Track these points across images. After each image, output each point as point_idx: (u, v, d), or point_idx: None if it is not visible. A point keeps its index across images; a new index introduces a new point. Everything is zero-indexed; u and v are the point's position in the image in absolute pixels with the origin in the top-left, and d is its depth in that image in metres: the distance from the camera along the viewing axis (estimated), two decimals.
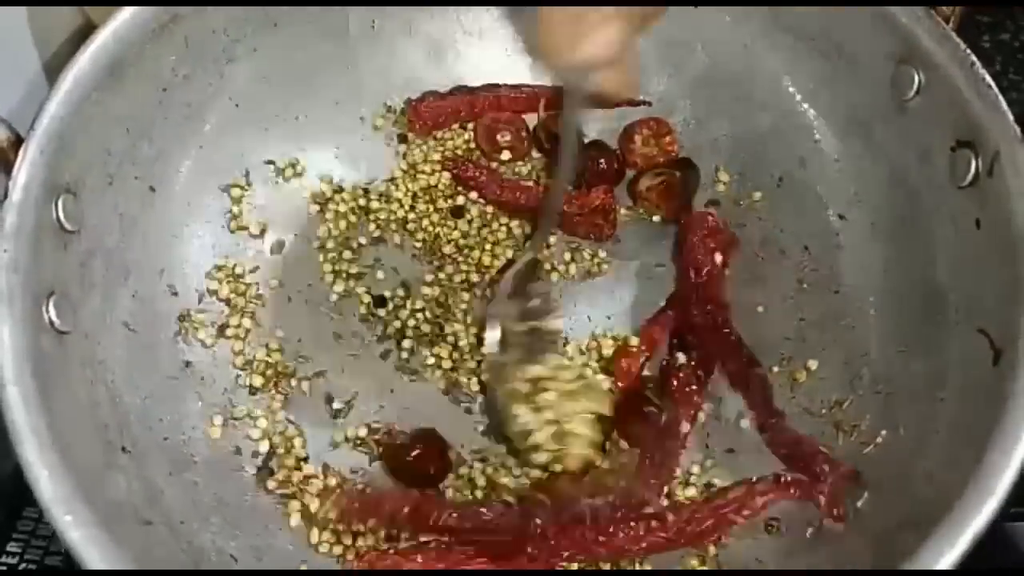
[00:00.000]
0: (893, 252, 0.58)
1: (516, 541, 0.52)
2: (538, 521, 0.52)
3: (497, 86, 0.68)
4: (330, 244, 0.63)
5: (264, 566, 0.52)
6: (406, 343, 0.61)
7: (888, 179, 0.59)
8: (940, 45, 0.54)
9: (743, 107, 0.65)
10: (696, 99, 0.67)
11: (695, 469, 0.57)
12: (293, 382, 0.59)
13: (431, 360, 0.60)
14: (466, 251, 0.64)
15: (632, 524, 0.52)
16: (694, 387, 0.58)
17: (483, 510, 0.53)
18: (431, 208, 0.65)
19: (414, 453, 0.56)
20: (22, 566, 0.56)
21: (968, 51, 0.53)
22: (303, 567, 0.53)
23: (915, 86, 0.55)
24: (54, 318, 0.47)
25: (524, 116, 0.68)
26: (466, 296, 0.62)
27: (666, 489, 0.55)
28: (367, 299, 0.62)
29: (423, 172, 0.66)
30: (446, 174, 0.66)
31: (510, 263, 0.63)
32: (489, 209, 0.65)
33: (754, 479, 0.54)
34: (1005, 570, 0.54)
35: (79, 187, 0.51)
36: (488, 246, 0.64)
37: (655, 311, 0.62)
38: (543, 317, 0.60)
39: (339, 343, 0.61)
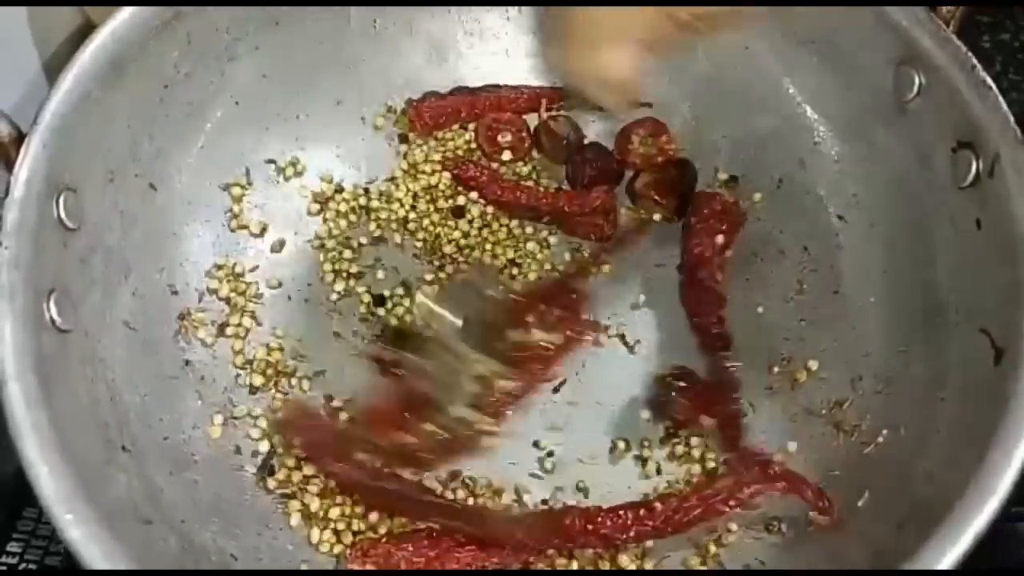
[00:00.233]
0: (893, 253, 0.58)
1: (506, 529, 0.52)
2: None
3: (498, 86, 0.68)
4: (330, 243, 0.63)
5: (264, 566, 0.52)
6: None
7: (888, 180, 0.59)
8: (940, 46, 0.54)
9: (743, 109, 0.65)
10: (696, 101, 0.67)
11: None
12: (293, 381, 0.59)
13: None
14: (466, 251, 0.64)
15: (620, 513, 0.53)
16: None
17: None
18: (432, 208, 0.65)
19: None
20: (22, 566, 0.56)
21: (968, 52, 0.53)
22: (303, 567, 0.53)
23: (915, 87, 0.55)
24: (55, 315, 0.47)
25: (524, 116, 0.68)
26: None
27: None
28: (367, 298, 0.62)
29: (424, 172, 0.66)
30: (447, 174, 0.66)
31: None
32: (490, 209, 0.65)
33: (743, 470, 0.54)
34: (1005, 570, 0.54)
35: (80, 184, 0.51)
36: (488, 246, 0.64)
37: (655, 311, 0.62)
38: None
39: (339, 342, 0.60)
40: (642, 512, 0.53)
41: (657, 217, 0.64)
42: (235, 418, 0.57)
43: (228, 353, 0.58)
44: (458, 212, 0.65)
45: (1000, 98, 0.51)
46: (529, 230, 0.65)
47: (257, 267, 0.61)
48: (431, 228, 0.64)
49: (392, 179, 0.66)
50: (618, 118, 0.67)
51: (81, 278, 0.51)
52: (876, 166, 0.60)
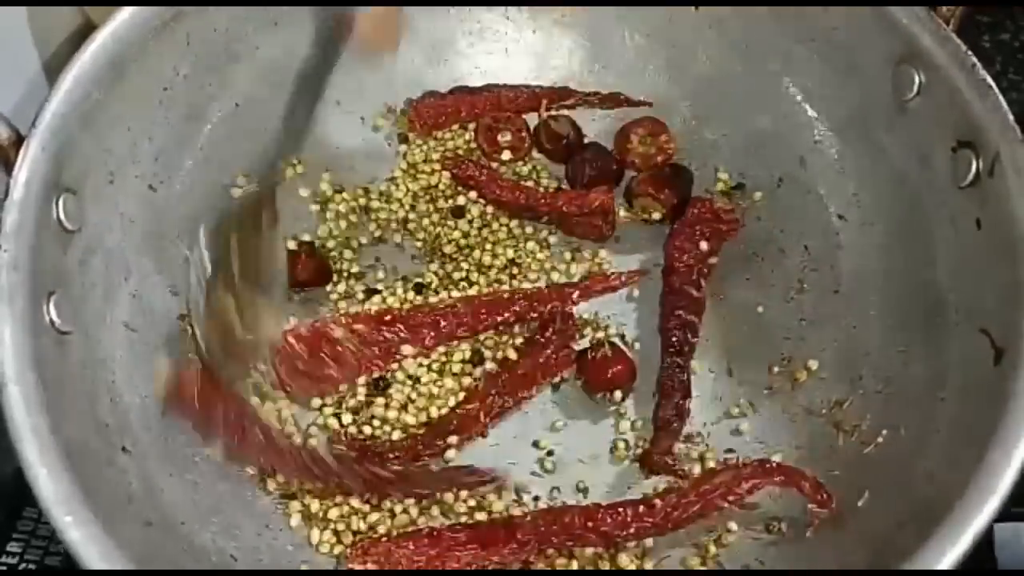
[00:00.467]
0: (893, 252, 0.58)
1: (506, 527, 0.53)
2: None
3: (497, 86, 0.68)
4: (330, 244, 0.63)
5: (264, 566, 0.52)
6: None
7: (888, 179, 0.59)
8: (940, 46, 0.54)
9: (743, 108, 0.65)
10: (696, 100, 0.67)
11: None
12: None
13: None
14: (466, 251, 0.63)
15: (620, 510, 0.53)
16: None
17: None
18: (431, 208, 0.65)
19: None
20: (22, 566, 0.56)
21: (968, 52, 0.53)
22: (303, 567, 0.53)
23: (915, 87, 0.55)
24: (54, 317, 0.47)
25: (524, 116, 0.68)
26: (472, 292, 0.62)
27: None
28: (362, 297, 0.62)
29: (423, 172, 0.66)
30: (446, 174, 0.66)
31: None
32: (489, 209, 0.65)
33: (740, 463, 0.54)
34: (1005, 570, 0.54)
35: (80, 186, 0.51)
36: (488, 246, 0.64)
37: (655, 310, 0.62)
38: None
39: None
40: (641, 509, 0.53)
41: (656, 216, 0.64)
42: None
43: None
44: (458, 212, 0.65)
45: (1000, 98, 0.51)
46: (529, 230, 0.65)
47: None
48: (431, 228, 0.64)
49: (392, 179, 0.66)
50: (619, 119, 0.67)
51: (81, 280, 0.51)
52: (876, 166, 0.60)
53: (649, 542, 0.54)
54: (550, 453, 0.57)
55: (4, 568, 0.55)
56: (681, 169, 0.65)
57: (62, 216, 0.49)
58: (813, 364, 0.59)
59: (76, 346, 0.49)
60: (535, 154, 0.68)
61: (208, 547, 0.51)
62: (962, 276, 0.53)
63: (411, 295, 0.61)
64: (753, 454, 0.56)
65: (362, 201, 0.65)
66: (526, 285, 0.63)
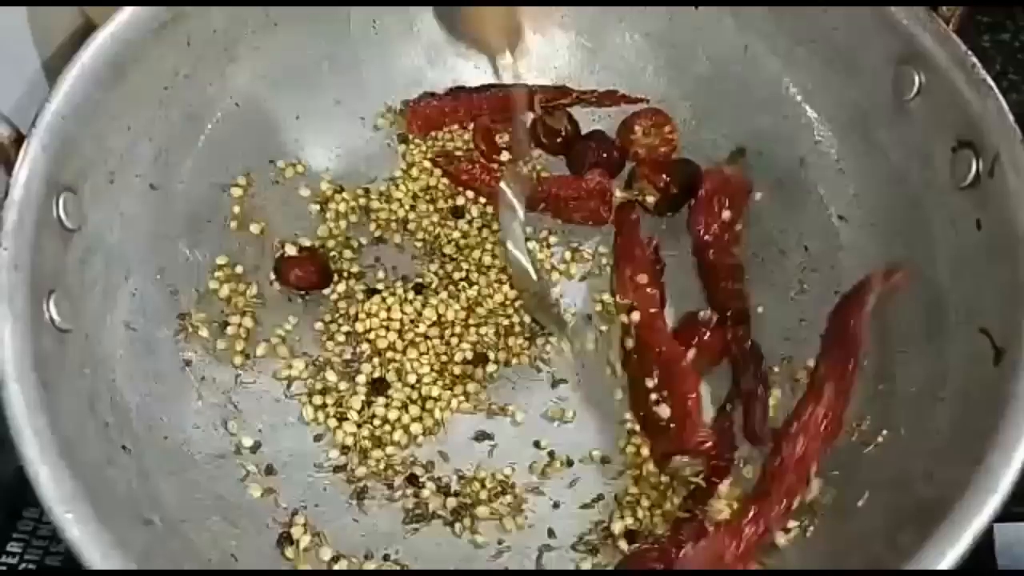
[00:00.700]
0: (893, 252, 0.58)
1: None
2: None
3: (495, 86, 0.68)
4: (330, 243, 0.63)
5: (264, 566, 0.52)
6: None
7: (888, 180, 0.59)
8: (941, 46, 0.54)
9: (743, 108, 0.65)
10: (696, 100, 0.67)
11: None
12: (295, 383, 0.59)
13: None
14: (466, 251, 0.63)
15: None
16: None
17: None
18: (431, 208, 0.65)
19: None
20: (22, 566, 0.56)
21: (969, 52, 0.53)
22: (303, 567, 0.53)
23: (915, 87, 0.55)
24: (55, 316, 0.47)
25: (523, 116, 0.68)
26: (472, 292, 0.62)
27: None
28: (363, 297, 0.62)
29: (423, 172, 0.66)
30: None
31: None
32: (490, 209, 0.65)
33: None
34: (1005, 571, 0.54)
35: (80, 185, 0.51)
36: (488, 246, 0.64)
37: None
38: None
39: None
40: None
41: (650, 199, 0.64)
42: (235, 418, 0.56)
43: (228, 353, 0.58)
44: (458, 212, 0.65)
45: (1000, 98, 0.51)
46: (529, 230, 0.65)
47: (257, 267, 0.61)
48: (431, 228, 0.64)
49: (392, 179, 0.66)
50: (621, 111, 0.67)
51: (81, 278, 0.51)
52: (876, 165, 0.60)
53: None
54: (551, 453, 0.58)
55: (4, 568, 0.55)
56: (687, 163, 0.65)
57: (62, 215, 0.49)
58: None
59: (76, 345, 0.49)
60: (534, 153, 0.68)
61: (208, 546, 0.51)
62: (962, 276, 0.53)
63: (411, 295, 0.61)
64: (753, 453, 0.56)
65: (362, 201, 0.65)
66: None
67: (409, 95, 0.67)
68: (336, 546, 0.54)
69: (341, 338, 0.60)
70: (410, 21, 0.67)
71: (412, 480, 0.56)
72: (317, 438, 0.57)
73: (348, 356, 0.60)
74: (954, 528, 0.43)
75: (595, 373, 0.60)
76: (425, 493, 0.56)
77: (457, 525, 0.55)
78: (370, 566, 0.53)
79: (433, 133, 0.67)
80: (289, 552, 0.53)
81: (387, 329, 0.60)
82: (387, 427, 0.57)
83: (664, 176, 0.64)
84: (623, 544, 0.54)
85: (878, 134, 0.59)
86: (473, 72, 0.68)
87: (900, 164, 0.58)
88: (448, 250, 0.63)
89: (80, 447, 0.45)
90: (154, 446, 0.52)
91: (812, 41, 0.62)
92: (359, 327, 0.60)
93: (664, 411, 0.56)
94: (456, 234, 0.64)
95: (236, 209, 0.62)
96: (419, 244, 0.64)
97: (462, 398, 0.59)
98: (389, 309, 0.61)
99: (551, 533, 0.55)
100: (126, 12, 0.53)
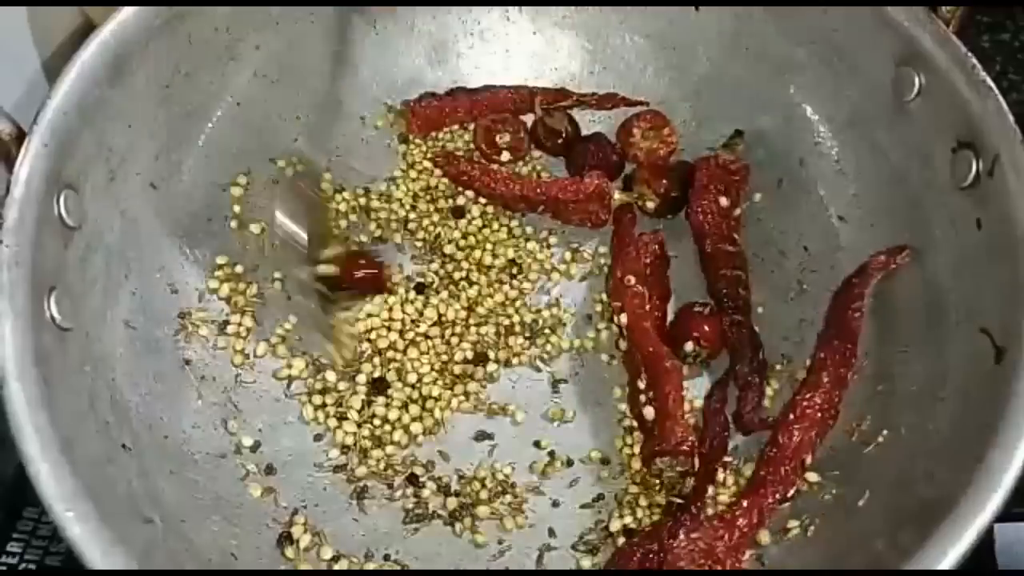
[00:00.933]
0: None
1: None
2: None
3: (495, 87, 0.68)
4: None
5: (264, 566, 0.52)
6: None
7: (888, 180, 0.59)
8: (941, 47, 0.54)
9: (744, 109, 0.65)
10: (697, 101, 0.67)
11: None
12: (295, 383, 0.59)
13: None
14: (466, 251, 0.63)
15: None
16: None
17: None
18: (432, 208, 0.65)
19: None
20: (22, 566, 0.56)
21: (968, 53, 0.53)
22: (303, 567, 0.53)
23: (916, 88, 0.56)
24: (55, 314, 0.47)
25: (523, 116, 0.68)
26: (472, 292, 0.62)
27: None
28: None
29: (423, 172, 0.66)
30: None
31: None
32: (490, 209, 0.65)
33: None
34: (1006, 571, 0.54)
35: (81, 183, 0.51)
36: (489, 246, 0.64)
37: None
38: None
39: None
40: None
41: (650, 204, 0.64)
42: (235, 417, 0.56)
43: (228, 352, 0.58)
44: (458, 212, 0.65)
45: (1000, 98, 0.51)
46: (529, 230, 0.65)
47: (257, 267, 0.61)
48: (431, 228, 0.64)
49: (392, 179, 0.66)
50: (620, 114, 0.67)
51: (82, 277, 0.51)
52: (876, 166, 0.60)
53: None
54: (551, 453, 0.57)
55: (4, 568, 0.55)
56: (687, 166, 0.65)
57: (63, 213, 0.49)
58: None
59: (76, 343, 0.49)
60: (535, 154, 0.68)
61: (208, 546, 0.51)
62: (962, 276, 0.53)
63: (412, 295, 0.61)
64: (753, 453, 0.56)
65: (362, 201, 0.65)
66: (526, 285, 0.63)
67: (409, 95, 0.67)
68: (336, 546, 0.54)
69: None
70: (410, 21, 0.67)
71: (412, 480, 0.56)
72: (317, 438, 0.57)
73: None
74: (955, 527, 0.43)
75: (595, 373, 0.60)
76: (425, 493, 0.56)
77: (457, 525, 0.55)
78: (370, 566, 0.53)
79: (433, 133, 0.67)
80: (289, 552, 0.53)
81: (388, 329, 0.60)
82: (387, 427, 0.57)
83: (664, 181, 0.64)
84: (622, 542, 0.54)
85: (878, 134, 0.59)
86: (473, 72, 0.68)
87: (900, 164, 0.58)
88: (448, 250, 0.63)
89: (80, 445, 0.45)
90: (154, 445, 0.52)
91: (812, 42, 0.62)
92: (360, 327, 0.60)
93: (650, 412, 0.56)
94: (456, 234, 0.64)
95: (236, 209, 0.62)
96: (419, 244, 0.64)
97: (462, 398, 0.59)
98: (390, 309, 0.61)
99: (551, 533, 0.55)
100: (126, 11, 0.53)
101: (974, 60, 0.53)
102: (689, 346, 0.58)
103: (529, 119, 0.68)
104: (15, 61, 0.62)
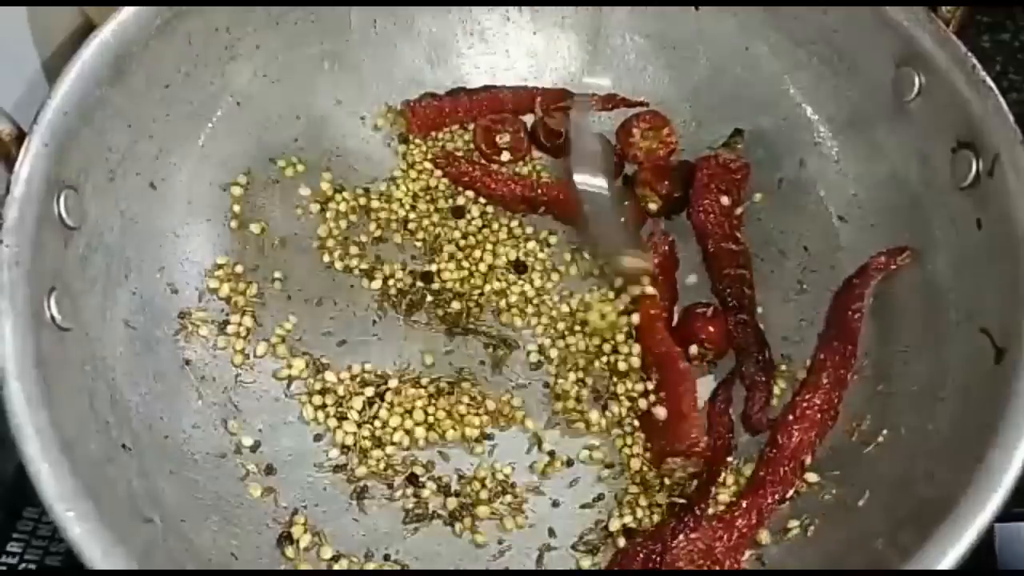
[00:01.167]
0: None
1: None
2: None
3: (495, 87, 0.68)
4: (331, 243, 0.63)
5: (264, 566, 0.52)
6: None
7: (888, 180, 0.59)
8: (941, 47, 0.54)
9: (744, 109, 0.65)
10: (697, 101, 0.67)
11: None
12: (295, 383, 0.59)
13: None
14: (467, 251, 0.63)
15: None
16: None
17: None
18: (432, 208, 0.65)
19: None
20: (22, 566, 0.56)
21: (968, 53, 0.53)
22: (303, 567, 0.53)
23: (916, 88, 0.56)
24: (55, 314, 0.47)
25: (523, 117, 0.68)
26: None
27: None
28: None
29: (423, 172, 0.66)
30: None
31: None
32: (490, 209, 0.65)
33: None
34: (1006, 570, 0.54)
35: (81, 183, 0.51)
36: (489, 246, 0.64)
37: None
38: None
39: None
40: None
41: (652, 207, 0.64)
42: (235, 417, 0.56)
43: (228, 352, 0.58)
44: (458, 212, 0.65)
45: (1000, 98, 0.51)
46: (530, 230, 0.65)
47: (257, 267, 0.61)
48: (431, 228, 0.64)
49: (392, 179, 0.66)
50: (619, 115, 0.67)
51: (82, 276, 0.51)
52: (876, 166, 0.60)
53: None
54: (551, 453, 0.57)
55: (4, 568, 0.55)
56: (689, 166, 0.65)
57: (63, 212, 0.49)
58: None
59: (76, 343, 0.49)
60: (535, 154, 0.68)
61: (208, 546, 0.51)
62: (962, 276, 0.53)
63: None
64: (753, 454, 0.56)
65: (362, 201, 0.65)
66: (526, 286, 0.63)
67: (409, 95, 0.67)
68: (336, 546, 0.54)
69: None
70: (410, 21, 0.67)
71: (412, 480, 0.56)
72: (317, 438, 0.57)
73: None
74: (955, 527, 0.43)
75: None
76: (425, 493, 0.56)
77: (457, 525, 0.55)
78: (370, 566, 0.53)
79: (433, 133, 0.67)
80: (289, 552, 0.53)
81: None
82: (387, 427, 0.57)
83: (666, 182, 0.64)
84: (622, 542, 0.54)
85: (878, 134, 0.59)
86: (473, 72, 0.68)
87: (900, 164, 0.58)
88: (448, 250, 0.63)
89: (80, 445, 0.45)
90: (154, 445, 0.52)
91: (812, 42, 0.62)
92: None
93: (661, 412, 0.56)
94: (456, 234, 0.64)
95: (236, 209, 0.62)
96: (419, 244, 0.64)
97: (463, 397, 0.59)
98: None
99: (551, 533, 0.55)
100: (126, 11, 0.53)
101: (974, 60, 0.53)
102: (694, 349, 0.58)
103: (529, 119, 0.68)
104: (15, 61, 0.62)
